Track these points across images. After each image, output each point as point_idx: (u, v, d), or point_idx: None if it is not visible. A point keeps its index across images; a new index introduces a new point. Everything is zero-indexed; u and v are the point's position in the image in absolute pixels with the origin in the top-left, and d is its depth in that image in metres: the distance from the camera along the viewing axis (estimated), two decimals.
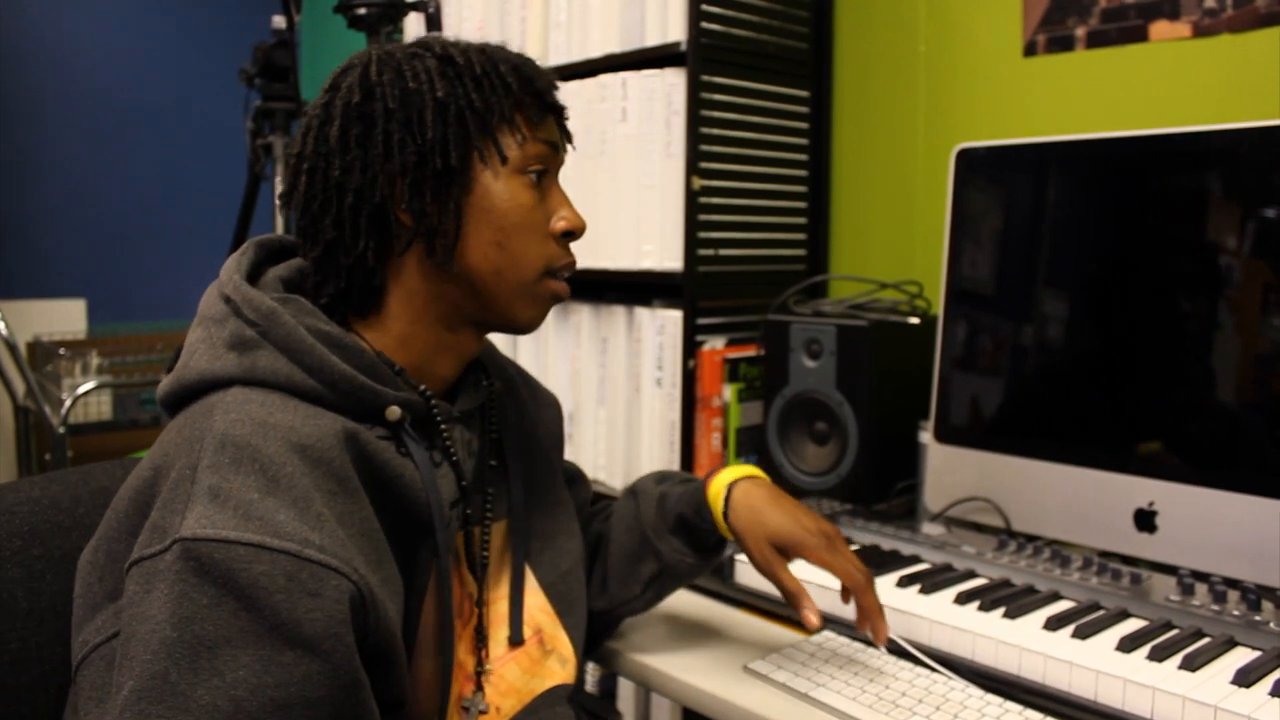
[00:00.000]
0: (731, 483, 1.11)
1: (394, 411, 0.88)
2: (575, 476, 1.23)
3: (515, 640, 1.01)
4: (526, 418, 1.12)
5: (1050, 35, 1.74)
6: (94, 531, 0.88)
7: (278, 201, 0.96)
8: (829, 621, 1.20)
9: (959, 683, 1.05)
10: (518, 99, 0.92)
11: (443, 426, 0.94)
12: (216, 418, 0.78)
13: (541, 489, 1.11)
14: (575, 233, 0.96)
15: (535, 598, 1.05)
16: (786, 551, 1.07)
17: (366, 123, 0.88)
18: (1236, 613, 1.09)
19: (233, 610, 0.71)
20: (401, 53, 0.91)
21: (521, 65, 0.93)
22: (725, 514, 1.10)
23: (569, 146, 0.99)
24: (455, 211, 0.89)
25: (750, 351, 1.86)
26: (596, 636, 1.21)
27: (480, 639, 0.99)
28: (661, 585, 1.16)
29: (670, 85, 1.82)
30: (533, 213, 0.92)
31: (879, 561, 1.30)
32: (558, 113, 0.96)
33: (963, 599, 1.17)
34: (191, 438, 0.78)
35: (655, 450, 1.88)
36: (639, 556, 1.16)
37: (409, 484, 0.87)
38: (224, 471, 0.75)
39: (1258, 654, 1.02)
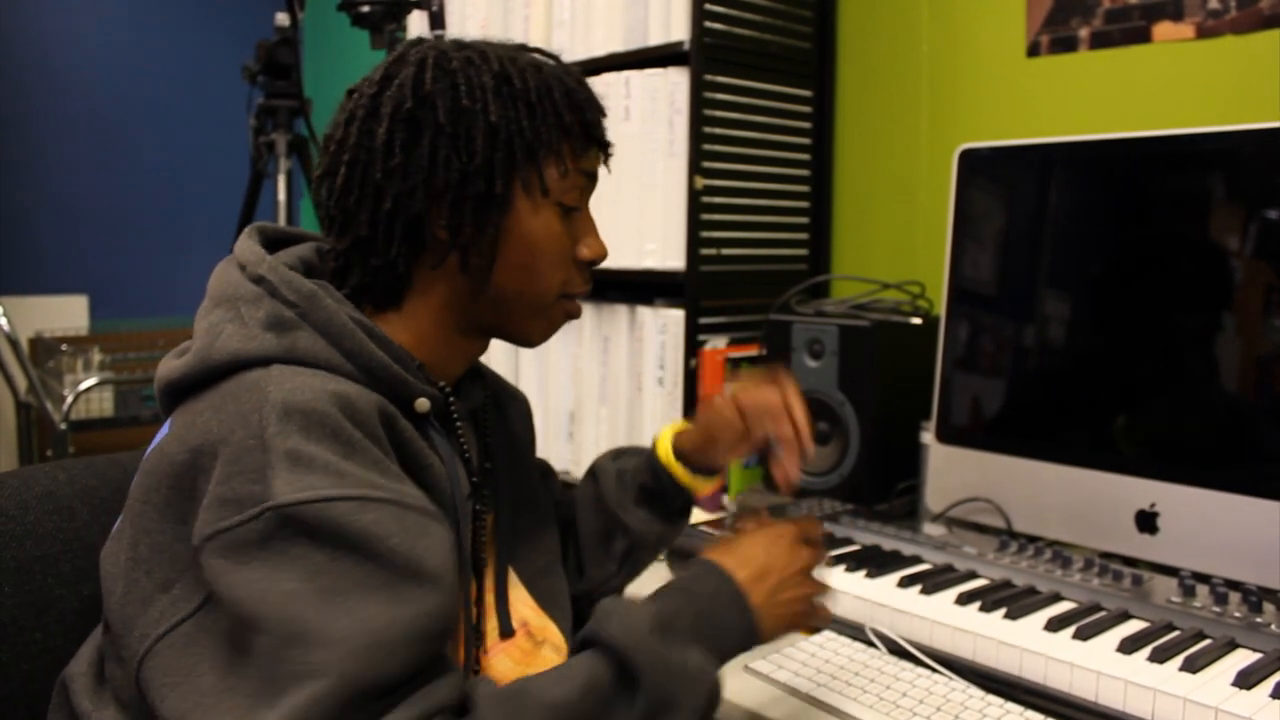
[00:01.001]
0: (674, 433, 1.16)
1: (423, 403, 0.90)
2: (546, 471, 1.24)
3: (505, 632, 1.01)
4: (506, 416, 1.13)
5: (1054, 36, 1.74)
6: (53, 537, 0.88)
7: (308, 184, 0.95)
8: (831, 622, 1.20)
9: (960, 683, 1.05)
10: (567, 129, 0.92)
11: (458, 423, 0.96)
12: (271, 389, 0.78)
13: (521, 486, 1.12)
14: (597, 261, 0.98)
15: (518, 592, 1.06)
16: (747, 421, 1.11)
17: (414, 131, 0.88)
18: (1238, 614, 1.09)
19: (352, 562, 0.72)
20: (459, 60, 0.90)
21: (575, 91, 0.94)
22: (677, 454, 1.14)
23: (606, 169, 1.00)
24: (492, 233, 0.90)
25: (752, 351, 1.86)
26: (582, 622, 1.21)
27: (475, 632, 0.99)
28: (635, 560, 1.18)
29: (673, 84, 1.82)
30: (560, 240, 0.94)
31: (880, 562, 1.30)
32: (603, 147, 0.97)
33: (964, 600, 1.17)
34: (241, 411, 0.77)
35: None
36: (608, 534, 1.17)
37: (436, 475, 0.88)
38: (296, 437, 0.75)
39: (1259, 656, 1.02)
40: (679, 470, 1.14)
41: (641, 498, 1.16)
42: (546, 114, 0.91)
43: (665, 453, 1.15)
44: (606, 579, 1.17)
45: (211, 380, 0.83)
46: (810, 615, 0.95)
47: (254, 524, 0.72)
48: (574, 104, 0.93)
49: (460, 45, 0.93)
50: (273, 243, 0.96)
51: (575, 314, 1.00)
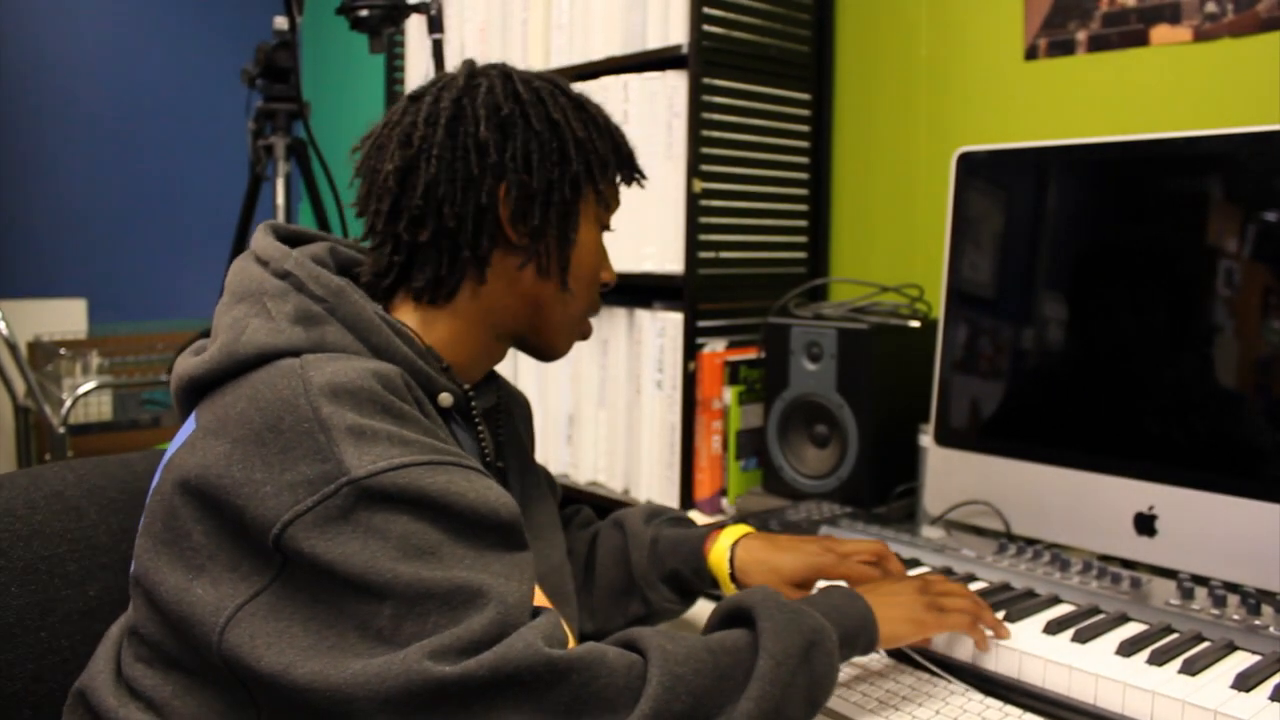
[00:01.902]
0: (733, 544, 1.14)
1: (446, 397, 0.93)
2: (548, 476, 1.24)
3: None
4: (512, 417, 1.15)
5: (1051, 39, 1.75)
6: (60, 537, 0.93)
7: (367, 177, 0.99)
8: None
9: (959, 686, 1.05)
10: (620, 159, 1.02)
11: (478, 423, 1.00)
12: (311, 374, 0.79)
13: (530, 485, 1.14)
14: (610, 285, 1.07)
15: None
16: (806, 585, 1.11)
17: (507, 134, 0.94)
18: (1236, 617, 1.10)
19: (433, 520, 0.76)
20: (538, 81, 0.98)
21: (621, 131, 1.03)
22: (733, 575, 1.13)
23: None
24: (568, 239, 0.98)
25: (751, 354, 1.86)
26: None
27: None
28: (644, 623, 1.18)
29: (672, 88, 1.83)
30: (600, 258, 1.04)
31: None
32: (640, 179, 1.06)
33: None
34: (282, 397, 0.78)
35: (655, 453, 1.88)
36: (626, 595, 1.18)
37: (465, 460, 0.88)
38: (352, 414, 0.77)
39: (1258, 658, 1.02)
40: (726, 583, 1.14)
41: (671, 579, 1.17)
42: (610, 140, 1.00)
43: (719, 559, 1.14)
44: (612, 629, 1.17)
45: (237, 374, 0.84)
46: (935, 621, 1.01)
47: (333, 500, 0.74)
48: (622, 136, 1.03)
49: (531, 72, 1.01)
50: (285, 241, 0.98)
51: (588, 333, 1.07)
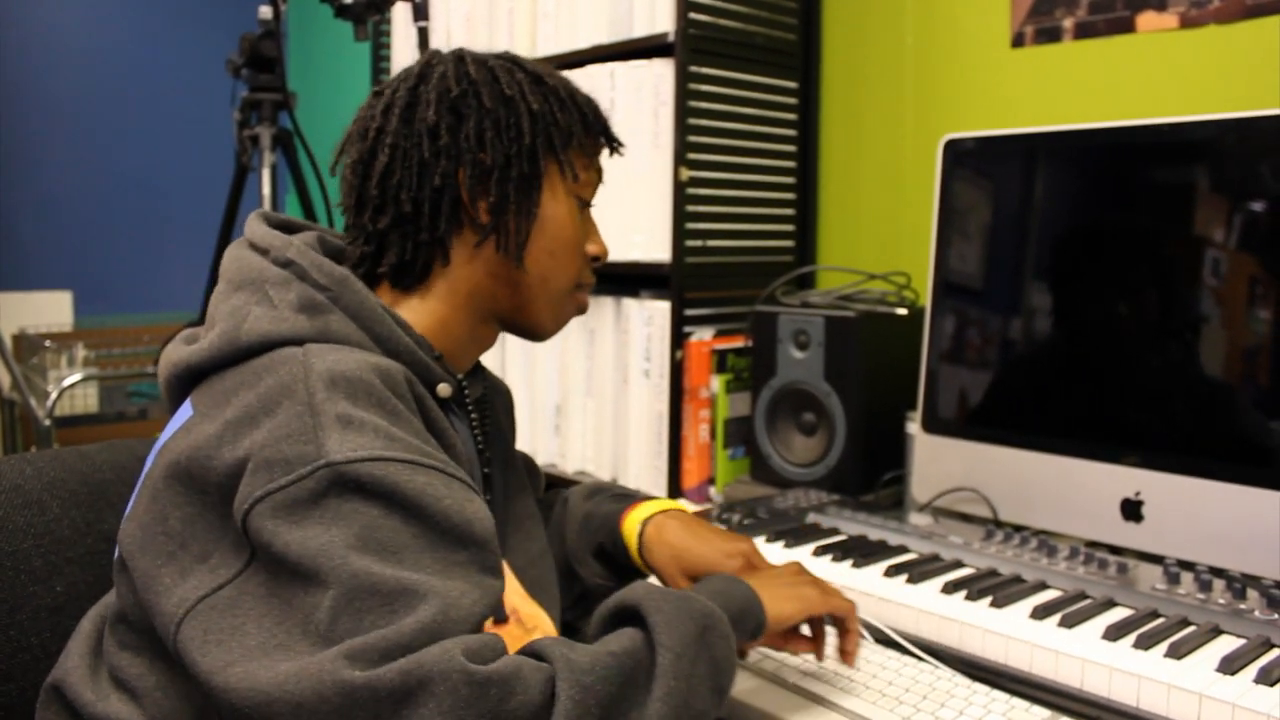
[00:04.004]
0: (645, 519, 1.12)
1: (445, 388, 0.93)
2: (531, 465, 1.24)
3: (499, 618, 1.02)
4: (494, 407, 1.14)
5: (1038, 26, 1.75)
6: (24, 532, 0.91)
7: (341, 173, 1.01)
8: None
9: (946, 671, 1.05)
10: (589, 127, 1.00)
11: (472, 412, 1.00)
12: (313, 361, 0.79)
13: (511, 475, 1.13)
14: (601, 258, 1.05)
15: (509, 580, 1.06)
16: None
17: (458, 116, 0.94)
18: (1222, 601, 1.10)
19: (403, 519, 0.74)
20: (494, 61, 0.98)
21: (589, 99, 1.02)
22: (640, 550, 1.11)
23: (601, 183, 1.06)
24: (528, 215, 0.96)
25: (738, 342, 1.86)
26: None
27: None
28: (589, 602, 1.16)
29: (658, 76, 1.82)
30: (578, 231, 1.01)
31: (866, 552, 1.31)
32: (615, 148, 1.05)
33: (950, 588, 1.17)
34: (283, 383, 0.78)
35: (643, 442, 1.88)
36: (567, 574, 1.17)
37: (459, 455, 0.89)
38: (345, 403, 0.76)
39: (1242, 642, 1.02)
40: (635, 556, 1.12)
41: (599, 554, 1.16)
42: (572, 110, 0.98)
43: (630, 530, 1.12)
44: (566, 608, 1.16)
45: (236, 362, 0.83)
46: (820, 599, 0.98)
47: (306, 482, 0.73)
48: (591, 106, 1.01)
49: (488, 54, 1.00)
50: (276, 229, 0.97)
51: (584, 307, 1.05)
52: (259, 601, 0.73)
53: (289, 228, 0.99)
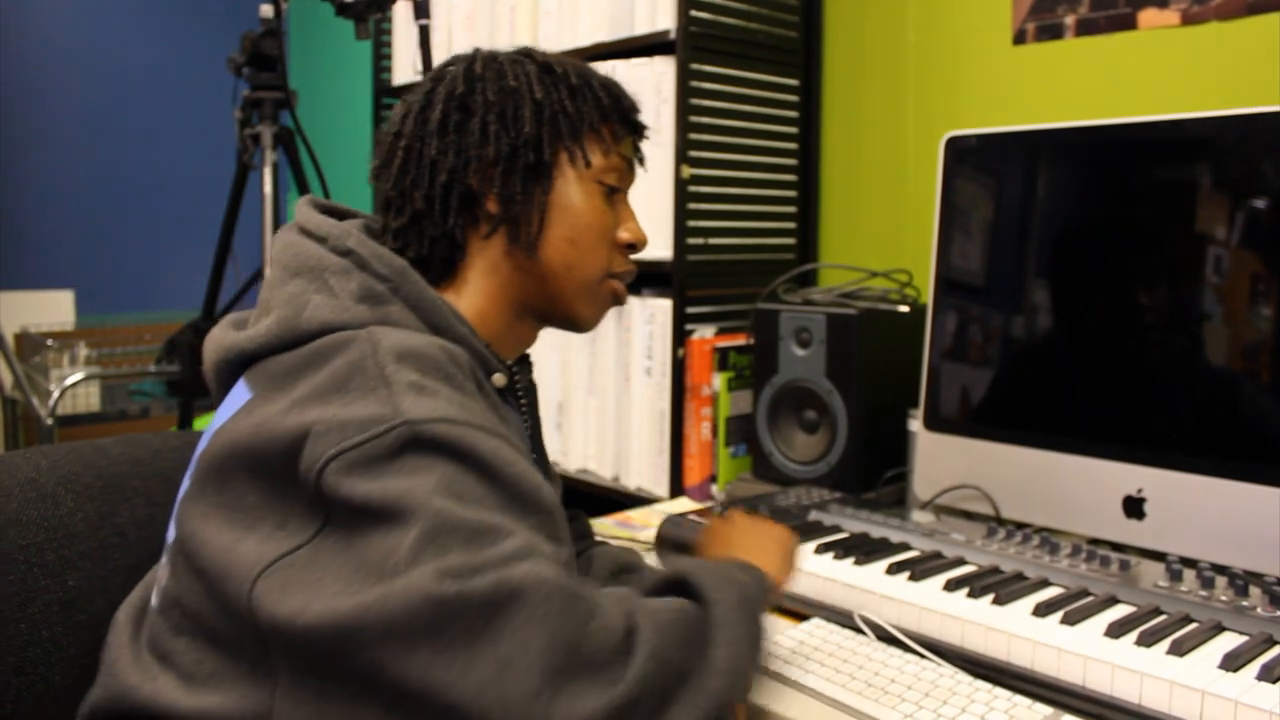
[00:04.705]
0: None
1: (500, 378, 0.94)
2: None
3: None
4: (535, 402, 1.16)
5: (1040, 23, 1.74)
6: (37, 525, 0.91)
7: (370, 181, 1.03)
8: (818, 608, 1.20)
9: (948, 669, 1.05)
10: (606, 113, 0.99)
11: (523, 403, 1.02)
12: (380, 338, 0.80)
13: (548, 468, 1.16)
14: (637, 245, 1.03)
15: None
16: None
17: (466, 112, 0.95)
18: (1224, 598, 1.10)
19: (477, 479, 0.74)
20: (504, 56, 0.99)
21: (611, 84, 1.01)
22: None
23: (641, 168, 1.06)
24: (540, 204, 0.96)
25: (740, 340, 1.86)
26: None
27: None
28: None
29: (659, 74, 1.82)
30: (603, 217, 1.00)
31: (868, 549, 1.30)
32: (638, 132, 1.04)
33: (952, 586, 1.17)
34: (351, 360, 0.79)
35: (645, 440, 1.88)
36: None
37: (514, 442, 0.89)
38: (415, 374, 0.78)
39: (1245, 639, 1.02)
40: None
41: None
42: (586, 96, 0.98)
43: None
44: None
45: (293, 346, 0.84)
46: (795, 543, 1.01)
47: (384, 439, 0.73)
48: (611, 92, 1.00)
49: (505, 51, 1.01)
50: (324, 215, 0.99)
51: (621, 296, 1.04)
52: (336, 555, 0.73)
53: (337, 214, 1.00)
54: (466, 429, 0.75)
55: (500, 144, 0.94)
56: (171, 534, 0.88)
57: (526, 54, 1.00)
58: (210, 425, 0.89)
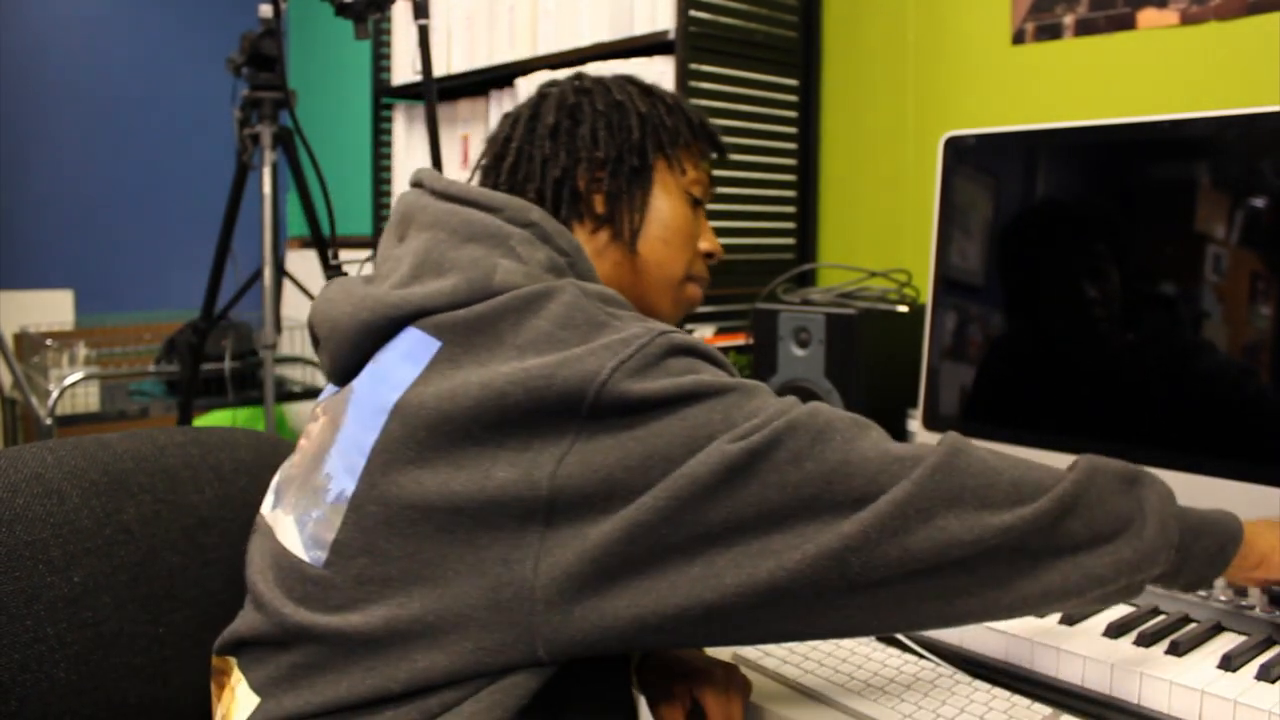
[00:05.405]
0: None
1: None
2: None
3: None
4: None
5: (1039, 23, 1.74)
6: (43, 521, 0.92)
7: (472, 177, 1.08)
8: None
9: (947, 669, 1.05)
10: (697, 132, 1.09)
11: None
12: (583, 287, 0.86)
13: None
14: (715, 255, 1.13)
15: None
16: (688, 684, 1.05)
17: (576, 119, 1.04)
18: (1223, 599, 1.10)
19: (724, 371, 0.85)
20: (608, 78, 1.09)
21: (698, 111, 1.12)
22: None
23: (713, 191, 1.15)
24: (641, 204, 1.04)
25: (739, 340, 1.86)
26: None
27: None
28: None
29: (659, 74, 1.82)
30: (690, 223, 1.08)
31: None
32: (722, 153, 1.14)
33: None
34: (565, 302, 0.84)
35: None
36: None
37: None
38: (625, 310, 0.87)
39: (1243, 639, 1.02)
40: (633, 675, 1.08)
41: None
42: (680, 115, 1.08)
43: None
44: None
45: (473, 305, 0.86)
46: None
47: (649, 348, 0.80)
48: (699, 116, 1.11)
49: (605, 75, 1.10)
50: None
51: (697, 299, 1.13)
52: (615, 447, 0.78)
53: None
54: (695, 339, 0.85)
55: (608, 148, 1.02)
56: (375, 496, 0.81)
57: (626, 77, 1.09)
58: (380, 380, 0.86)
